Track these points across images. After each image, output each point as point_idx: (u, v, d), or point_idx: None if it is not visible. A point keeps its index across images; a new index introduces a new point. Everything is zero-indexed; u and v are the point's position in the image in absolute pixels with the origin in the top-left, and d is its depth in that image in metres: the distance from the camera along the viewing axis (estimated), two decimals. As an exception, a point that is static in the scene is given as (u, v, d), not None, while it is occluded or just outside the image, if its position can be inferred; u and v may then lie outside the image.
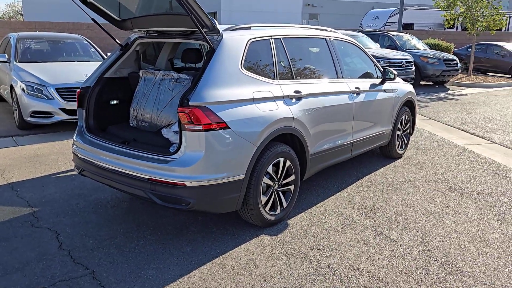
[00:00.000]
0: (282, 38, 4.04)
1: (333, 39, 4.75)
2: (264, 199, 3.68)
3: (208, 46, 3.53)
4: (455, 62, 14.42)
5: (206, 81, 3.28)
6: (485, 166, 5.80)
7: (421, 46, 15.51)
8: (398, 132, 5.91)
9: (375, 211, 4.25)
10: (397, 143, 5.94)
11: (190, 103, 3.16)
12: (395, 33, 15.76)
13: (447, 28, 24.78)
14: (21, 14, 45.36)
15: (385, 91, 5.38)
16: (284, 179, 3.89)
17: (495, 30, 17.85)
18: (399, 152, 6.07)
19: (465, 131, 7.96)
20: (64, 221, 3.94)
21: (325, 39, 4.62)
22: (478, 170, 5.62)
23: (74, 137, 4.06)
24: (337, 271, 3.18)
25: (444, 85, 15.23)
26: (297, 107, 3.90)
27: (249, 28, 3.86)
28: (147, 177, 3.29)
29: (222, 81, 3.36)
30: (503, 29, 23.67)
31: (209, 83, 3.28)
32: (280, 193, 3.88)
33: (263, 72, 3.74)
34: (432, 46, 17.27)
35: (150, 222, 3.95)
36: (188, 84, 3.69)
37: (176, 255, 3.38)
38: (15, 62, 7.80)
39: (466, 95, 13.01)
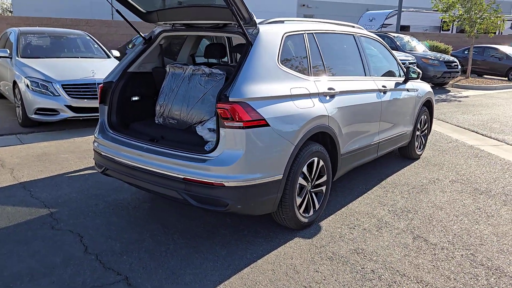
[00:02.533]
0: (315, 33, 3.89)
1: (360, 35, 4.61)
2: (299, 200, 3.53)
3: (244, 39, 3.35)
4: (456, 64, 14.44)
5: (245, 76, 3.11)
6: (505, 168, 5.72)
7: (421, 47, 15.51)
8: (417, 133, 5.80)
9: (407, 213, 4.12)
10: (416, 143, 5.83)
11: (230, 99, 2.99)
12: (395, 34, 15.73)
13: (443, 30, 24.96)
14: (10, 12, 44.57)
15: (407, 90, 5.26)
16: (316, 179, 3.73)
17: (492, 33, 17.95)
18: (418, 153, 5.96)
19: (476, 132, 7.90)
20: (85, 223, 3.74)
21: (353, 35, 4.49)
22: (500, 172, 5.53)
23: (96, 134, 3.86)
24: (383, 276, 3.03)
25: (444, 86, 15.24)
26: (331, 105, 3.75)
27: (282, 22, 3.70)
28: (182, 176, 3.11)
29: (260, 76, 3.20)
30: (497, 32, 23.85)
31: (248, 78, 3.11)
32: (313, 194, 3.73)
33: (298, 68, 3.58)
34: (430, 48, 17.29)
35: (177, 224, 3.76)
36: (221, 80, 3.51)
37: (211, 259, 3.20)
38: (17, 58, 7.53)
39: (467, 97, 13.01)
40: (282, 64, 3.39)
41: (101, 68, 7.44)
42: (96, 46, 8.74)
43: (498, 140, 7.32)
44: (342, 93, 3.92)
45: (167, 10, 3.70)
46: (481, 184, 5.02)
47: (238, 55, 5.59)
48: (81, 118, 6.97)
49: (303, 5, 31.71)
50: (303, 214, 3.61)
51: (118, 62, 8.25)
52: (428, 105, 5.98)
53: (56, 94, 6.73)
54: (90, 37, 8.97)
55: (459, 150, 6.57)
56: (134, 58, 3.95)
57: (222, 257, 3.24)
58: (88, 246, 3.35)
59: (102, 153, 3.68)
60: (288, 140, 3.26)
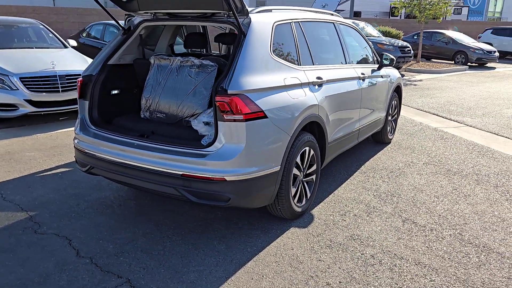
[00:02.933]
0: (300, 21, 3.87)
1: (340, 23, 4.64)
2: (293, 190, 3.53)
3: (236, 30, 3.27)
4: (408, 48, 14.96)
5: (241, 67, 3.04)
6: (470, 148, 6.02)
7: (375, 33, 15.91)
8: (389, 118, 5.97)
9: (391, 197, 4.25)
10: (388, 128, 6.00)
11: (229, 91, 2.91)
12: (351, 20, 16.01)
13: (392, 16, 25.75)
14: None
15: (382, 76, 5.38)
16: (307, 169, 3.75)
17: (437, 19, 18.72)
18: (390, 137, 6.15)
19: (436, 115, 8.26)
20: (71, 225, 3.55)
21: (333, 23, 4.51)
22: (466, 152, 5.82)
23: (77, 131, 3.65)
24: (383, 261, 3.11)
25: (398, 71, 15.76)
26: (320, 94, 3.76)
27: (270, 10, 3.64)
28: (180, 173, 3.01)
29: (256, 67, 3.14)
30: (442, 18, 24.93)
31: (245, 69, 3.05)
32: (304, 183, 3.75)
33: (288, 58, 3.55)
34: (383, 34, 17.79)
35: (167, 220, 3.66)
36: (213, 71, 3.41)
37: (212, 255, 3.14)
38: (-35, 50, 6.96)
39: (421, 80, 13.55)
40: (274, 54, 3.35)
41: (60, 59, 7.05)
42: (51, 35, 8.24)
43: (458, 122, 7.69)
44: (329, 81, 3.95)
45: (149, -2, 3.52)
46: (452, 165, 5.26)
47: (217, 45, 5.48)
48: (42, 113, 6.58)
49: (256, -9, 31.48)
50: (297, 204, 3.62)
51: (76, 52, 7.86)
52: (397, 91, 6.15)
53: (14, 88, 6.30)
54: (43, 25, 8.44)
55: (425, 133, 6.84)
56: (114, 50, 3.75)
57: (222, 252, 3.19)
58: (80, 249, 3.19)
59: (86, 151, 3.49)
60: (285, 131, 3.24)
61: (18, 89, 6.30)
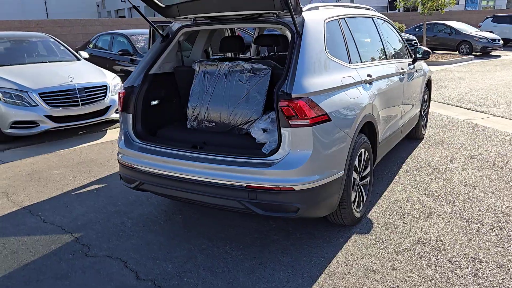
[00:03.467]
0: (346, 18, 3.70)
1: (377, 18, 4.48)
2: (353, 195, 3.36)
3: (288, 30, 3.09)
4: (415, 41, 14.83)
5: (302, 69, 2.87)
6: (508, 139, 5.86)
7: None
8: (422, 113, 5.81)
9: (445, 196, 4.07)
10: (421, 123, 5.84)
11: (293, 95, 2.74)
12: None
13: (390, 10, 25.64)
14: None
15: (416, 71, 5.22)
16: (363, 171, 3.58)
17: (438, 10, 18.62)
18: (423, 132, 5.98)
19: (460, 107, 8.10)
20: (121, 245, 3.36)
21: (371, 18, 4.34)
22: (505, 144, 5.66)
23: (121, 145, 3.47)
24: (462, 265, 2.93)
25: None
26: (371, 92, 3.59)
27: (317, 8, 3.47)
28: (244, 184, 2.83)
29: (315, 68, 2.97)
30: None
31: (305, 71, 2.87)
32: (361, 187, 3.57)
33: (341, 56, 3.38)
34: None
35: (221, 234, 3.48)
36: (267, 75, 3.23)
37: (280, 269, 2.96)
38: (-21, 67, 6.76)
39: (432, 72, 13.38)
40: (329, 53, 3.18)
41: (76, 72, 6.86)
42: (62, 48, 8.05)
43: (484, 113, 7.53)
44: (377, 79, 3.78)
45: (190, 3, 3.34)
46: (496, 159, 5.09)
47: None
48: (63, 128, 6.39)
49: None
50: (356, 209, 3.45)
51: (90, 64, 7.68)
52: (428, 84, 5.99)
53: (34, 104, 6.11)
54: (54, 39, 8.24)
55: (455, 126, 6.67)
56: (154, 59, 3.56)
57: (289, 265, 3.01)
58: (138, 271, 3.00)
59: (134, 166, 3.30)
60: (348, 134, 3.07)
61: (38, 105, 6.11)
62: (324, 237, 3.37)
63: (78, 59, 7.87)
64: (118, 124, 7.29)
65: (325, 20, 3.31)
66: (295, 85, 2.77)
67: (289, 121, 2.74)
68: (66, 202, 4.24)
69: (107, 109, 6.75)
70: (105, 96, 6.72)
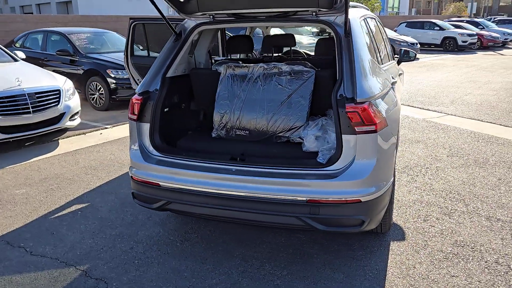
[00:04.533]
0: (366, 17, 3.58)
1: (377, 17, 4.44)
2: (389, 201, 3.24)
3: (331, 29, 2.88)
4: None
5: (359, 71, 2.68)
6: (473, 137, 6.20)
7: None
8: (398, 113, 5.92)
9: (453, 195, 4.15)
10: (398, 124, 5.95)
11: (358, 100, 2.53)
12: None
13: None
14: None
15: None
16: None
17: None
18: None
19: (412, 106, 8.48)
20: (145, 276, 2.91)
21: (375, 18, 4.28)
22: (474, 141, 5.97)
23: (136, 160, 2.99)
24: (511, 265, 2.95)
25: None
26: (396, 95, 3.51)
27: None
28: (305, 198, 2.56)
29: (367, 70, 2.79)
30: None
31: (362, 73, 2.69)
32: (389, 191, 3.48)
33: (376, 57, 3.25)
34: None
35: (253, 253, 3.16)
36: (311, 78, 2.98)
37: (337, 287, 2.74)
38: None
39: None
40: (370, 54, 3.02)
41: (22, 74, 5.99)
42: (-5, 48, 7.00)
43: (437, 112, 7.95)
44: (395, 81, 3.71)
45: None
46: (475, 156, 5.33)
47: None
48: (11, 140, 5.53)
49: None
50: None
51: (32, 65, 6.77)
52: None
53: (-25, 113, 5.19)
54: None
55: (420, 125, 6.94)
56: (170, 60, 3.13)
57: (344, 282, 2.80)
58: (181, 307, 2.59)
59: (160, 184, 2.86)
60: (396, 138, 2.94)
61: (-20, 114, 5.21)
62: (363, 247, 3.22)
63: (16, 60, 6.90)
64: (70, 133, 6.51)
65: (360, 18, 3.15)
66: (358, 89, 2.56)
67: (356, 128, 2.53)
68: (50, 228, 3.61)
69: (61, 116, 5.98)
70: (58, 102, 5.94)
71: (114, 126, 7.11)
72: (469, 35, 22.01)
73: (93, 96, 8.21)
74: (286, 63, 3.11)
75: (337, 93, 2.60)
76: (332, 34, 2.89)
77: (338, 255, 3.12)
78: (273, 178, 2.62)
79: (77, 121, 6.36)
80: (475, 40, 22.12)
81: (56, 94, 5.95)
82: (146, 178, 2.94)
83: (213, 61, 3.89)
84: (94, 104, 8.26)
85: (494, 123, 6.95)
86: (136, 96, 3.01)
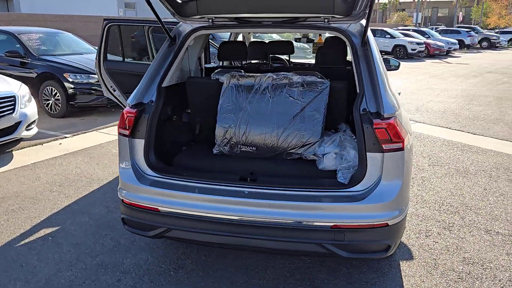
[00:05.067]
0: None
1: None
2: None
3: (344, 37, 2.68)
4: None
5: (382, 84, 2.49)
6: (446, 145, 6.26)
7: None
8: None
9: (445, 207, 4.08)
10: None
11: (385, 115, 2.34)
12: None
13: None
14: None
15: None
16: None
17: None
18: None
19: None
20: (140, 315, 2.54)
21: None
22: (448, 149, 6.03)
23: (128, 181, 2.63)
24: (526, 284, 2.88)
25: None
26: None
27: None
28: (330, 224, 2.32)
29: (386, 82, 2.60)
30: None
31: (383, 86, 2.50)
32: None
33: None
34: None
35: (257, 280, 2.88)
36: (326, 89, 2.74)
37: (361, 318, 2.53)
38: None
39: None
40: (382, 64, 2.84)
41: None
42: None
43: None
44: (399, 92, 3.57)
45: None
46: (455, 165, 5.35)
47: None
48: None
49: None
50: (397, 233, 3.18)
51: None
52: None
53: None
54: None
55: (393, 133, 6.94)
56: (166, 67, 2.78)
57: (366, 311, 2.59)
58: None
59: (160, 208, 2.51)
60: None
61: None
62: (374, 269, 3.03)
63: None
64: (25, 143, 5.90)
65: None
66: (385, 103, 2.37)
67: (384, 145, 2.33)
68: (18, 259, 3.13)
69: (16, 125, 5.37)
70: (13, 109, 5.34)
71: (74, 135, 6.54)
72: (418, 43, 22.91)
73: (48, 102, 7.55)
74: (295, 73, 2.86)
75: (360, 107, 2.39)
76: (347, 43, 2.69)
77: (350, 279, 2.90)
78: (292, 202, 2.36)
79: (34, 130, 5.76)
80: (423, 48, 23.05)
81: (10, 101, 5.34)
82: (142, 202, 2.57)
83: (203, 67, 3.57)
84: (49, 111, 7.60)
85: (462, 131, 7.09)
86: (128, 108, 2.64)
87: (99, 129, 6.93)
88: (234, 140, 2.82)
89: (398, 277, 2.94)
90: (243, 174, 2.59)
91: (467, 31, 31.20)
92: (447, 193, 4.43)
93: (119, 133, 2.69)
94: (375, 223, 2.35)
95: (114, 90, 4.27)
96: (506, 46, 35.34)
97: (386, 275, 2.96)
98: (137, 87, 2.71)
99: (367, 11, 2.51)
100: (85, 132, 6.72)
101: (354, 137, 2.74)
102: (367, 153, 2.37)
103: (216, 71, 3.08)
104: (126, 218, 2.69)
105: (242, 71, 3.01)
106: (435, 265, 3.10)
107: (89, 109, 8.00)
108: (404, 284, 2.86)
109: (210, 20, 2.88)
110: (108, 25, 4.00)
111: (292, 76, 2.81)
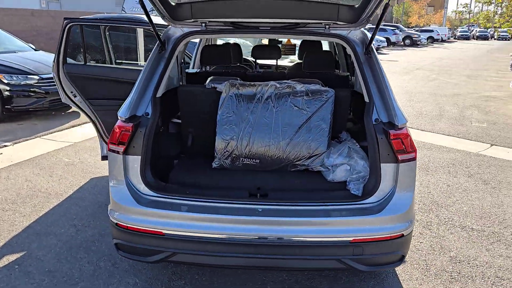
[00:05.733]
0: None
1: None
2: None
3: (347, 44, 2.63)
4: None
5: (390, 93, 2.47)
6: (423, 147, 6.50)
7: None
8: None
9: (418, 205, 4.22)
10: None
11: (400, 125, 2.32)
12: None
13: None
14: None
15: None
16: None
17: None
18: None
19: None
20: None
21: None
22: (429, 151, 6.24)
23: (125, 204, 2.37)
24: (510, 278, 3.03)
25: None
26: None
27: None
28: (350, 238, 2.26)
29: (391, 91, 2.58)
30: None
31: (392, 96, 2.48)
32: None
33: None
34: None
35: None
36: (331, 99, 2.64)
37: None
38: None
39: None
40: (381, 72, 2.83)
41: None
42: None
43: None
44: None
45: (215, 2, 2.50)
46: (422, 162, 5.55)
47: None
48: None
49: None
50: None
51: None
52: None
53: None
54: None
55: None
56: (160, 75, 2.54)
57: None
58: None
59: (164, 232, 2.29)
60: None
61: None
62: (371, 276, 3.02)
63: None
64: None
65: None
66: (398, 113, 2.35)
67: (399, 156, 2.31)
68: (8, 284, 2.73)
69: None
70: None
71: (15, 143, 5.93)
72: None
73: (-21, 107, 6.78)
74: (298, 81, 2.75)
75: (372, 117, 2.35)
76: (348, 50, 2.64)
77: (352, 287, 2.88)
78: (309, 218, 2.27)
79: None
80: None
81: None
82: (142, 225, 2.34)
83: (183, 73, 3.34)
84: (-19, 116, 6.83)
85: (412, 128, 7.41)
86: (121, 122, 2.37)
87: (42, 136, 6.35)
88: (236, 152, 2.65)
89: (397, 282, 2.96)
90: (250, 189, 2.45)
91: (392, 29, 33.00)
92: (416, 190, 4.57)
93: (110, 150, 2.42)
94: (392, 235, 2.33)
95: (75, 96, 3.89)
96: (425, 44, 37.97)
97: (385, 281, 2.97)
98: (129, 98, 2.45)
99: (371, 19, 2.48)
100: (27, 140, 6.12)
101: (359, 146, 2.71)
102: (381, 163, 2.34)
103: (210, 78, 2.89)
104: (120, 243, 2.43)
105: (238, 78, 2.84)
106: (427, 266, 3.17)
107: (26, 113, 7.32)
108: (399, 285, 2.89)
109: (204, 24, 2.68)
110: (69, 24, 3.62)
111: (295, 84, 2.70)
